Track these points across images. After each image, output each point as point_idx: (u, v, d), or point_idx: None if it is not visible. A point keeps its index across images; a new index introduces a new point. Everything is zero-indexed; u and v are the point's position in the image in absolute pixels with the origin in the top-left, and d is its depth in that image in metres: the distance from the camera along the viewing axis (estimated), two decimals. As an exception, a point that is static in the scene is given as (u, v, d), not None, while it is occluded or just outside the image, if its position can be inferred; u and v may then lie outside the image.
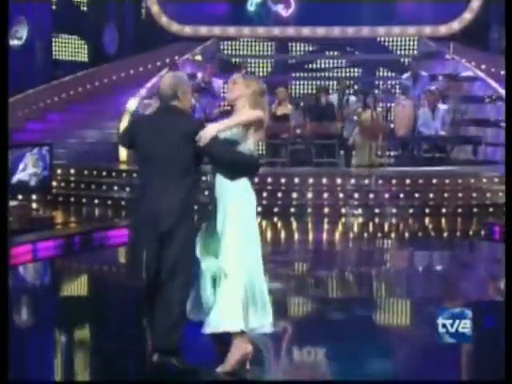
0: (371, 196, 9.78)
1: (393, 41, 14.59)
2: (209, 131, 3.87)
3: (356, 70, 14.59)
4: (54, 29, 13.82)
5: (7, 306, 3.86)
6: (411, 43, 14.44)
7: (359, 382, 3.74)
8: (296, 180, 9.95)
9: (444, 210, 9.57)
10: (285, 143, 11.46)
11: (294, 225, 9.20)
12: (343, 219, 9.44)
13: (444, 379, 3.84)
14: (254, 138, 4.00)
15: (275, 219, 9.39)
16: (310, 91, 14.06)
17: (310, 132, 11.48)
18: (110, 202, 10.07)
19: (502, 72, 13.59)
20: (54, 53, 14.04)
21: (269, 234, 8.79)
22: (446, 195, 9.78)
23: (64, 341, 4.80)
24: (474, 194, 9.85)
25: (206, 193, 4.24)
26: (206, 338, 3.96)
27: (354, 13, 13.68)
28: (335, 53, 14.66)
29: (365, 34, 14.12)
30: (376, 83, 13.99)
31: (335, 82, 13.42)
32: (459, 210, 9.59)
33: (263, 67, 14.57)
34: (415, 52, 14.16)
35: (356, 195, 9.79)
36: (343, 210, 9.64)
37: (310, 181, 9.97)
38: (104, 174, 10.58)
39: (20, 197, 8.54)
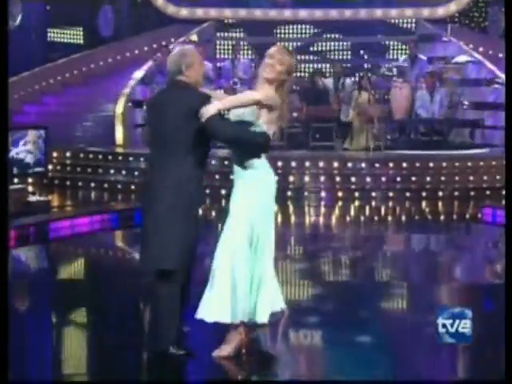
0: (368, 180, 9.76)
1: (391, 23, 14.50)
2: (210, 108, 3.75)
3: (352, 52, 14.51)
4: (49, 11, 13.69)
5: (7, 306, 3.85)
6: (409, 25, 14.36)
7: (359, 382, 3.73)
8: (293, 163, 9.92)
9: (441, 194, 9.56)
10: (281, 127, 11.40)
11: (291, 208, 9.19)
12: (340, 203, 9.42)
13: (444, 378, 3.84)
14: (267, 118, 3.85)
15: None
16: (306, 74, 13.98)
17: (306, 115, 11.45)
18: (106, 186, 10.03)
19: (500, 54, 13.53)
20: (49, 35, 13.92)
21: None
22: (442, 178, 9.76)
23: (61, 327, 4.78)
24: (471, 178, 9.83)
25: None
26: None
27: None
28: (332, 35, 14.56)
29: (362, 17, 14.01)
30: (373, 66, 13.90)
31: (331, 65, 13.36)
32: (456, 194, 9.57)
33: (259, 49, 14.48)
34: (413, 34, 14.07)
35: (353, 179, 9.77)
36: (340, 194, 9.62)
37: (307, 164, 9.94)
38: (100, 157, 10.53)
39: (16, 180, 8.51)
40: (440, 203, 9.34)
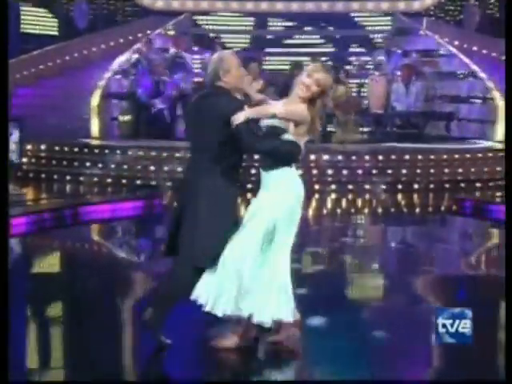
0: (344, 172, 9.80)
1: (367, 16, 14.56)
2: (239, 116, 3.77)
3: (330, 45, 14.55)
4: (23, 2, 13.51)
5: (7, 306, 3.81)
6: (385, 18, 14.43)
7: (359, 382, 3.75)
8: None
9: (416, 186, 9.65)
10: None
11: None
12: (316, 195, 9.46)
13: (443, 379, 3.86)
14: (294, 131, 3.88)
15: (249, 196, 9.36)
16: (284, 67, 13.98)
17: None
18: (81, 179, 9.95)
19: (475, 48, 13.68)
20: (22, 26, 13.75)
21: (242, 212, 8.77)
22: (418, 171, 9.84)
23: (38, 320, 4.74)
24: (446, 170, 9.93)
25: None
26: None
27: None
28: (309, 28, 14.59)
29: (339, 9, 14.05)
30: (349, 59, 13.97)
31: (309, 58, 13.36)
32: (431, 186, 9.67)
33: (238, 42, 14.44)
34: (389, 27, 14.15)
35: (329, 171, 9.81)
36: (317, 187, 9.66)
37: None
38: (76, 150, 10.43)
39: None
40: (415, 195, 9.42)
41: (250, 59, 12.07)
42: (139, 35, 13.21)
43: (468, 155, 10.16)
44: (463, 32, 14.15)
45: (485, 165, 10.11)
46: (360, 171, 9.82)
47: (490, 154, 10.37)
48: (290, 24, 14.72)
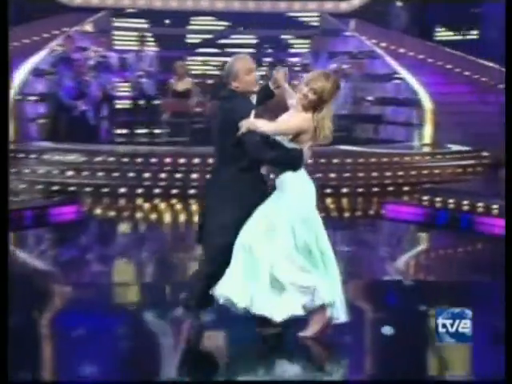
0: (272, 176, 9.91)
1: (294, 16, 14.80)
2: (248, 125, 4.02)
3: (257, 46, 14.71)
4: None
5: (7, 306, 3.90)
6: (312, 19, 14.72)
7: (359, 382, 3.86)
8: (196, 160, 9.96)
9: (345, 190, 9.88)
10: (186, 121, 11.45)
11: (194, 207, 9.24)
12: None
13: (442, 379, 3.96)
14: (298, 139, 4.16)
15: (174, 201, 9.38)
16: (211, 68, 14.05)
17: (211, 110, 11.51)
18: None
19: (401, 50, 14.16)
20: None
21: (167, 217, 8.78)
22: (346, 175, 10.09)
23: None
24: (375, 174, 10.23)
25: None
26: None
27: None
28: (236, 28, 14.71)
29: (266, 9, 14.24)
30: (276, 61, 14.15)
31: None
32: (359, 190, 9.93)
33: (163, 41, 14.41)
34: (316, 28, 14.43)
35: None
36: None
37: (211, 161, 9.96)
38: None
39: None
40: (344, 200, 9.65)
41: (177, 59, 12.11)
42: (56, 32, 12.98)
43: (396, 158, 10.50)
44: (390, 34, 14.60)
45: (413, 168, 10.48)
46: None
47: (418, 158, 10.76)
48: (215, 23, 14.80)
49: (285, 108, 4.51)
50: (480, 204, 8.02)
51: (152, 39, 14.08)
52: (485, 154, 10.80)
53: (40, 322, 4.79)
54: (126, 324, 4.68)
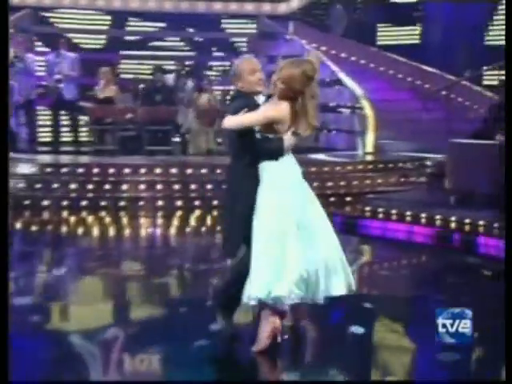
0: (209, 187, 9.93)
1: (230, 18, 14.87)
2: (224, 121, 4.36)
3: (192, 49, 14.71)
4: None
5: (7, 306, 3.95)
6: (249, 21, 14.82)
7: (359, 382, 3.99)
8: (126, 170, 9.86)
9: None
10: (113, 129, 11.34)
11: (125, 220, 9.13)
12: (179, 212, 9.52)
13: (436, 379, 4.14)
14: (276, 129, 4.34)
15: (103, 214, 9.27)
16: (142, 71, 13.97)
17: (142, 117, 11.45)
18: None
19: (342, 54, 14.39)
20: None
21: (95, 231, 8.66)
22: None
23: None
24: (315, 183, 10.33)
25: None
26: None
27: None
28: (169, 30, 14.67)
29: (200, 10, 14.26)
30: (213, 64, 14.20)
31: (171, 63, 13.45)
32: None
33: (92, 43, 14.25)
34: (253, 31, 14.54)
35: (193, 186, 9.90)
36: (179, 203, 9.72)
37: (142, 171, 9.94)
38: None
39: None
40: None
41: (103, 62, 11.98)
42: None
43: (338, 168, 10.63)
44: (331, 38, 14.82)
45: (355, 178, 10.63)
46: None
47: (360, 167, 10.92)
48: (149, 24, 14.72)
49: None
50: (423, 214, 8.20)
51: (76, 41, 13.90)
52: (428, 162, 11.06)
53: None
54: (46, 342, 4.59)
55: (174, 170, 10.04)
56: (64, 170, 9.72)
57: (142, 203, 9.64)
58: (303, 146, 12.13)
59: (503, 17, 14.76)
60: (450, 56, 14.48)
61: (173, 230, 8.85)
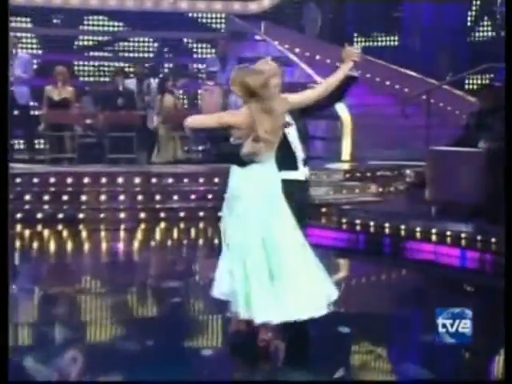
0: (176, 197, 9.91)
1: (198, 17, 14.89)
2: (187, 119, 4.70)
3: (157, 50, 14.69)
4: None
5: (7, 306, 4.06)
6: (218, 20, 14.86)
7: (359, 382, 4.19)
8: (86, 180, 9.81)
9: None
10: (71, 135, 11.26)
11: (84, 234, 9.06)
12: (143, 225, 9.48)
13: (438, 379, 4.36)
14: (237, 134, 4.59)
15: (60, 227, 9.20)
16: (103, 73, 13.91)
17: (102, 122, 11.38)
18: None
19: (318, 57, 14.47)
20: None
21: (52, 246, 8.59)
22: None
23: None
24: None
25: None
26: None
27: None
28: (132, 29, 14.64)
29: (165, 9, 14.26)
30: (179, 65, 14.19)
31: (134, 64, 13.42)
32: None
33: (44, 43, 14.16)
34: (222, 31, 14.57)
35: (158, 197, 9.87)
36: (143, 215, 9.68)
37: (103, 181, 9.89)
38: None
39: None
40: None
41: (59, 63, 11.89)
42: None
43: (312, 176, 10.61)
44: (305, 39, 14.90)
45: (330, 187, 10.65)
46: (193, 196, 9.98)
47: (336, 176, 10.96)
48: (107, 24, 14.68)
49: None
50: (403, 226, 8.25)
51: (32, 40, 13.81)
52: (407, 171, 11.14)
53: None
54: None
55: (137, 180, 10.00)
56: (17, 180, 9.62)
57: (102, 215, 9.58)
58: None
59: (487, 17, 15.00)
60: (430, 58, 14.65)
61: (136, 244, 8.81)
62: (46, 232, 9.01)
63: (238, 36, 14.13)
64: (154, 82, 12.28)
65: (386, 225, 8.36)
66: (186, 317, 5.99)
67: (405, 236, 8.18)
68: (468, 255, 7.53)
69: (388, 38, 15.82)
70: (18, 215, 9.34)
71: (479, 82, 14.62)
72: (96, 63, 14.18)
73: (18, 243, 8.59)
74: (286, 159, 4.78)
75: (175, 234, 9.30)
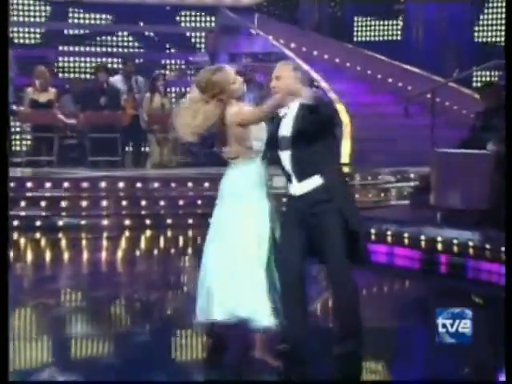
0: (162, 203, 9.89)
1: (187, 11, 14.89)
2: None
3: (143, 45, 14.68)
4: None
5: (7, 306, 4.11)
6: (208, 13, 14.85)
7: (359, 382, 4.47)
8: (66, 184, 9.76)
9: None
10: (51, 137, 11.23)
11: (64, 242, 9.03)
12: (127, 233, 9.45)
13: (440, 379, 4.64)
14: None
15: (38, 235, 9.16)
16: (85, 70, 13.89)
17: (84, 123, 11.35)
18: None
19: (315, 52, 14.47)
20: None
21: (29, 255, 8.55)
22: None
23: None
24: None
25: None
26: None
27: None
28: (117, 24, 14.63)
29: (151, 1, 14.25)
30: (167, 62, 14.18)
31: (120, 61, 13.40)
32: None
33: (25, 37, 14.15)
34: (213, 25, 14.56)
35: (144, 202, 9.83)
36: (127, 222, 9.66)
37: (85, 185, 9.86)
38: None
39: None
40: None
41: (39, 59, 11.87)
42: None
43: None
44: (302, 33, 14.90)
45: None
46: (181, 202, 9.95)
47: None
48: (91, 17, 14.67)
49: None
50: (406, 234, 8.23)
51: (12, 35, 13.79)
52: (411, 175, 11.14)
53: None
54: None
55: (121, 184, 9.97)
56: (-8, 184, 9.56)
57: (83, 222, 9.54)
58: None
59: (496, 10, 15.01)
60: (435, 54, 14.65)
61: (120, 254, 8.78)
62: (21, 241, 8.98)
63: (230, 30, 14.13)
64: (141, 79, 12.25)
65: (388, 232, 8.34)
66: (172, 332, 5.96)
67: (408, 244, 8.16)
68: (476, 265, 7.50)
69: (390, 32, 15.82)
70: (-8, 223, 9.28)
71: (488, 79, 14.63)
72: (77, 59, 14.14)
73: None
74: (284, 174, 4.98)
75: (162, 242, 9.26)
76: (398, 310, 6.68)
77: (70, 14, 14.56)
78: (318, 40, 14.65)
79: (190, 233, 9.58)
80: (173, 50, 14.56)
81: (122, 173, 10.66)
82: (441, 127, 10.43)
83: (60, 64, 14.09)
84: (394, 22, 15.76)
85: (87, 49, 14.39)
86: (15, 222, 9.38)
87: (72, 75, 13.94)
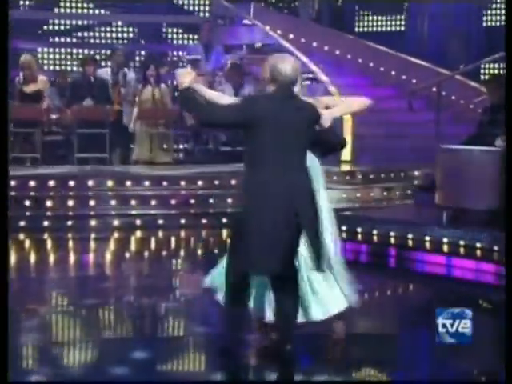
0: (153, 203, 9.90)
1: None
2: (328, 117, 5.22)
3: (134, 35, 14.69)
4: None
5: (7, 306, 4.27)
6: (201, 3, 14.87)
7: (359, 382, 4.67)
8: (51, 183, 9.78)
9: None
10: (35, 132, 11.23)
11: (49, 243, 9.04)
12: (116, 234, 9.46)
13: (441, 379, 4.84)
14: None
15: (22, 236, 9.17)
16: (71, 62, 13.91)
17: (70, 118, 11.36)
18: None
19: (314, 43, 14.50)
20: None
21: (12, 257, 8.55)
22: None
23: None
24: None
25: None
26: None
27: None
28: (106, 12, 14.65)
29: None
30: (159, 53, 14.19)
31: (108, 52, 13.40)
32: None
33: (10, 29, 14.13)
34: (207, 15, 14.58)
35: (133, 202, 9.84)
36: (116, 222, 9.67)
37: (71, 184, 9.86)
38: None
39: None
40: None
41: (21, 50, 11.87)
42: None
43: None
44: (299, 23, 14.92)
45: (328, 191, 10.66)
46: (173, 201, 9.96)
47: (335, 178, 10.97)
48: (77, 6, 14.69)
49: None
50: (410, 236, 8.25)
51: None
52: (416, 173, 11.16)
53: None
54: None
55: (110, 183, 9.97)
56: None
57: (70, 223, 9.55)
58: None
59: None
60: (441, 45, 14.69)
61: (108, 256, 8.79)
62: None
63: (224, 20, 14.16)
64: (130, 73, 12.25)
65: (392, 233, 8.36)
66: (165, 335, 5.99)
67: (412, 246, 8.18)
68: (484, 268, 7.53)
69: (393, 22, 15.85)
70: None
71: (496, 71, 14.67)
72: (63, 50, 14.15)
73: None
74: None
75: (153, 243, 9.27)
76: (401, 312, 6.72)
77: (58, 4, 14.58)
78: (318, 31, 14.67)
79: (182, 234, 9.60)
80: (163, 41, 14.58)
81: (111, 170, 10.69)
82: (446, 122, 10.48)
83: (45, 56, 14.09)
84: (398, 12, 15.79)
85: (73, 40, 14.40)
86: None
87: (57, 68, 13.94)
